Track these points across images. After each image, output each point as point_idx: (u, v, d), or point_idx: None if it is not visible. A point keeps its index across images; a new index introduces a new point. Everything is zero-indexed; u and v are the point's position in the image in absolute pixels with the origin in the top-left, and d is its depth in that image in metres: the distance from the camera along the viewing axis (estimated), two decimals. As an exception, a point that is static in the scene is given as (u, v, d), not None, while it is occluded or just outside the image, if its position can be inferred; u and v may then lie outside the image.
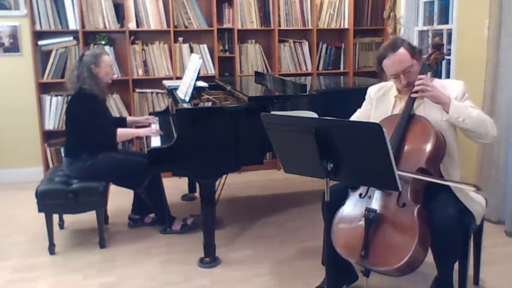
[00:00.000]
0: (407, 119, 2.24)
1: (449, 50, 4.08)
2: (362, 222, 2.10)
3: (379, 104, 2.49)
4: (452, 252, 2.17)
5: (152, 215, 3.53)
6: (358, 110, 2.62)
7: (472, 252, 2.50)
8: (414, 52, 2.30)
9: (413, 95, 2.24)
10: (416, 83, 2.22)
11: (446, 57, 4.17)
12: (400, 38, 2.40)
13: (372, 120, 2.49)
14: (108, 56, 3.34)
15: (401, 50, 2.27)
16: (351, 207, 2.23)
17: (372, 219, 2.07)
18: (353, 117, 2.60)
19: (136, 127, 3.70)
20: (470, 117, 2.15)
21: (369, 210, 2.09)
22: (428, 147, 2.15)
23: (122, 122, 3.63)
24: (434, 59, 2.39)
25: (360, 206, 2.18)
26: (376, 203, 2.14)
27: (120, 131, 3.31)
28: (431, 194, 2.16)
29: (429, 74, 2.32)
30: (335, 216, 2.24)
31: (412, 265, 1.99)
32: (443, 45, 2.43)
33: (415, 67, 2.29)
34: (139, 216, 3.54)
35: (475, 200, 2.31)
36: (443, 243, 2.09)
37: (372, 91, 2.57)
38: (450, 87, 2.28)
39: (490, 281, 2.66)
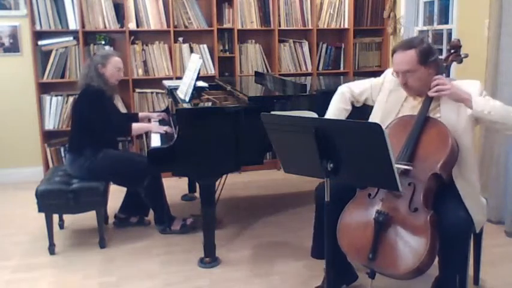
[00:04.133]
0: (423, 121, 2.20)
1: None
2: (371, 224, 2.07)
3: (390, 95, 2.42)
4: (460, 255, 2.14)
5: (138, 216, 3.56)
6: (360, 83, 2.56)
7: (472, 252, 2.49)
8: (425, 59, 2.19)
9: (430, 94, 2.18)
10: (433, 83, 2.17)
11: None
12: (420, 38, 2.29)
13: (375, 110, 2.45)
14: (117, 58, 3.35)
15: (411, 52, 2.19)
16: (360, 208, 2.19)
17: (382, 222, 2.04)
18: (355, 87, 2.56)
19: None
20: (495, 108, 2.10)
21: (379, 212, 2.07)
22: (445, 152, 2.10)
23: (134, 118, 3.65)
24: (451, 61, 2.35)
25: (369, 207, 2.14)
26: (386, 206, 2.09)
27: (135, 125, 3.36)
28: (439, 198, 2.13)
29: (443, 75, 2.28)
30: (341, 215, 2.21)
31: (420, 270, 1.98)
32: (461, 46, 2.36)
33: (418, 73, 2.20)
34: (125, 216, 3.55)
35: (480, 211, 2.25)
36: (451, 247, 2.06)
37: (388, 77, 2.44)
38: (467, 87, 2.21)
39: (490, 281, 2.66)
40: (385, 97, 2.44)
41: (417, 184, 2.08)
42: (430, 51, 2.23)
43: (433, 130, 2.18)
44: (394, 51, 2.27)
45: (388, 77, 2.46)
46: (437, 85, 2.16)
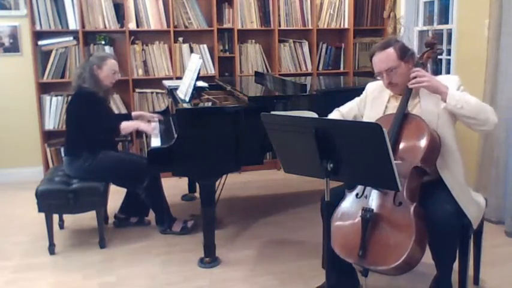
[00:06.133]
0: (402, 118, 2.24)
1: (449, 50, 4.09)
2: (359, 222, 2.09)
3: (373, 103, 2.50)
4: (450, 249, 2.17)
5: (138, 216, 3.56)
6: (349, 103, 2.62)
7: (472, 252, 2.49)
8: (404, 54, 2.29)
9: (410, 85, 2.23)
10: (412, 75, 2.22)
11: (446, 57, 4.18)
12: (394, 38, 2.42)
13: (366, 120, 2.49)
14: (113, 61, 3.33)
15: (390, 50, 2.29)
16: (348, 208, 2.23)
17: (369, 219, 2.06)
18: (343, 107, 2.62)
19: None
20: (468, 103, 2.14)
21: (365, 210, 2.09)
22: (423, 145, 2.14)
23: (127, 118, 3.63)
24: (427, 58, 2.40)
25: (356, 206, 2.18)
26: (372, 203, 2.14)
27: (124, 123, 3.32)
28: (427, 193, 2.17)
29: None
30: (332, 217, 2.23)
31: (409, 263, 1.99)
32: (435, 43, 2.43)
33: (400, 69, 2.29)
34: (124, 216, 3.56)
35: (471, 202, 2.28)
36: (440, 240, 2.09)
37: (370, 88, 2.56)
38: (445, 81, 2.26)
39: (490, 281, 2.66)
40: (370, 106, 2.51)
41: (400, 179, 2.11)
42: (406, 47, 2.34)
43: (411, 125, 2.22)
44: (372, 55, 2.35)
45: (370, 88, 2.56)
46: (415, 77, 2.21)
